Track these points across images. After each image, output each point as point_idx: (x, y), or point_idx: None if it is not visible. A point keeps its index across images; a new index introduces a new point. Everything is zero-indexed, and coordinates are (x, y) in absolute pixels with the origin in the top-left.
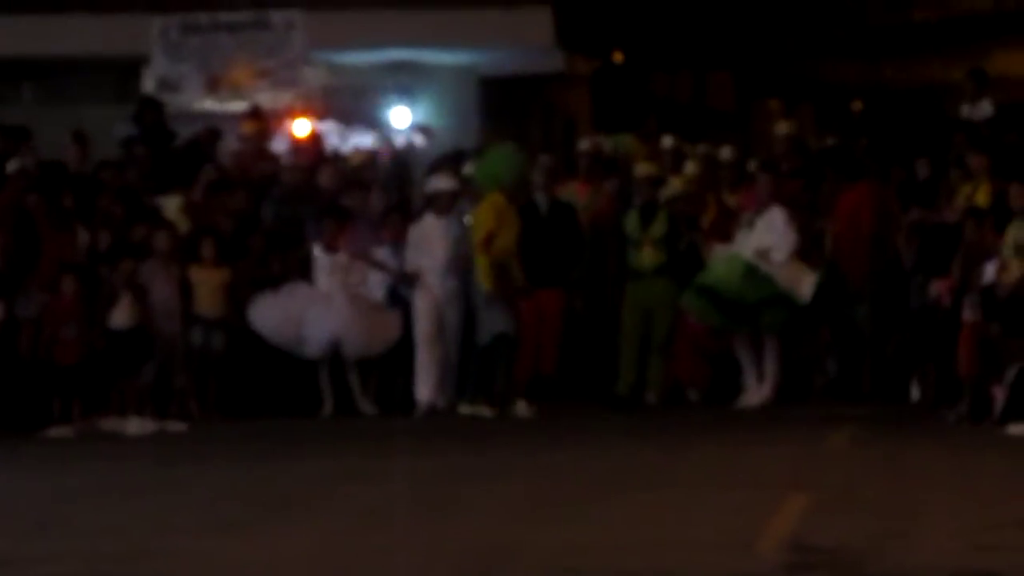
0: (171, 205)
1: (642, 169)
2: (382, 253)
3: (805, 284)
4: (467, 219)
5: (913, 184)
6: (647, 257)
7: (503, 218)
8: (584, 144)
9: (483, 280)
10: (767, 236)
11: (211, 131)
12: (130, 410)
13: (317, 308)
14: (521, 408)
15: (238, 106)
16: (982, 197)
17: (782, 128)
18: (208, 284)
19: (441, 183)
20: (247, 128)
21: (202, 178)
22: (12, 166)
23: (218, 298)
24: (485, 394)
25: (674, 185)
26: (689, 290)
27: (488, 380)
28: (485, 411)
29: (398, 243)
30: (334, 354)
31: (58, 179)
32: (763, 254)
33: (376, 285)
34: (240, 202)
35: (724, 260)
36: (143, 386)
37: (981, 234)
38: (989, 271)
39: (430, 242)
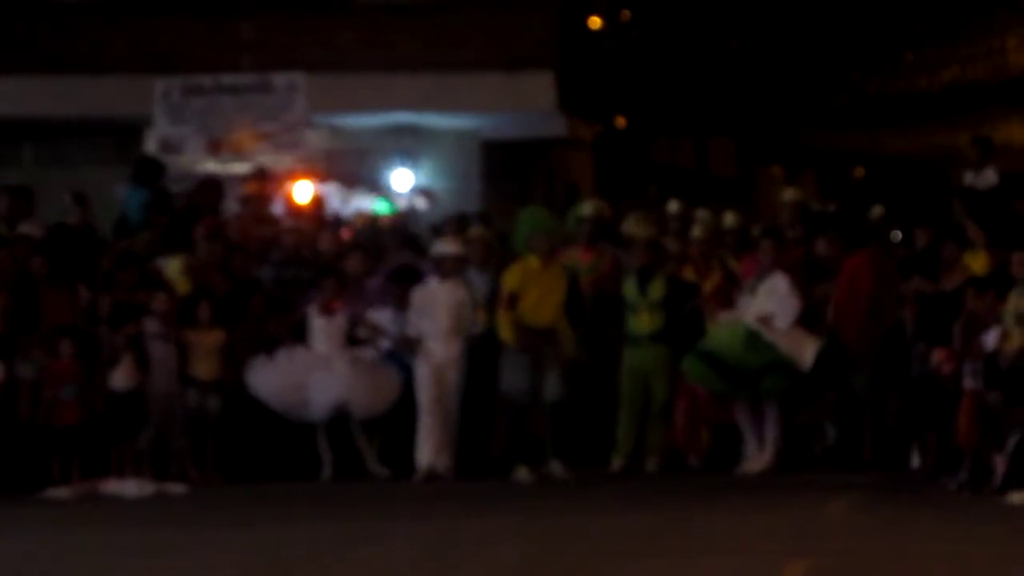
0: (171, 267)
1: (639, 232)
2: (384, 317)
3: (807, 351)
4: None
5: (914, 252)
6: (644, 322)
7: (531, 280)
8: (587, 209)
9: (503, 334)
10: (769, 302)
11: (207, 186)
12: (129, 472)
13: (319, 372)
14: (522, 474)
15: (240, 168)
16: (979, 266)
17: (788, 195)
18: (204, 346)
19: (446, 248)
20: (249, 189)
21: (198, 233)
22: (24, 229)
23: (214, 360)
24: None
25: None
26: (690, 355)
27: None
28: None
29: (399, 307)
30: (332, 417)
31: (60, 241)
32: (765, 320)
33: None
34: (239, 264)
35: (726, 326)
36: (142, 448)
37: (981, 303)
38: (990, 340)
39: (433, 306)
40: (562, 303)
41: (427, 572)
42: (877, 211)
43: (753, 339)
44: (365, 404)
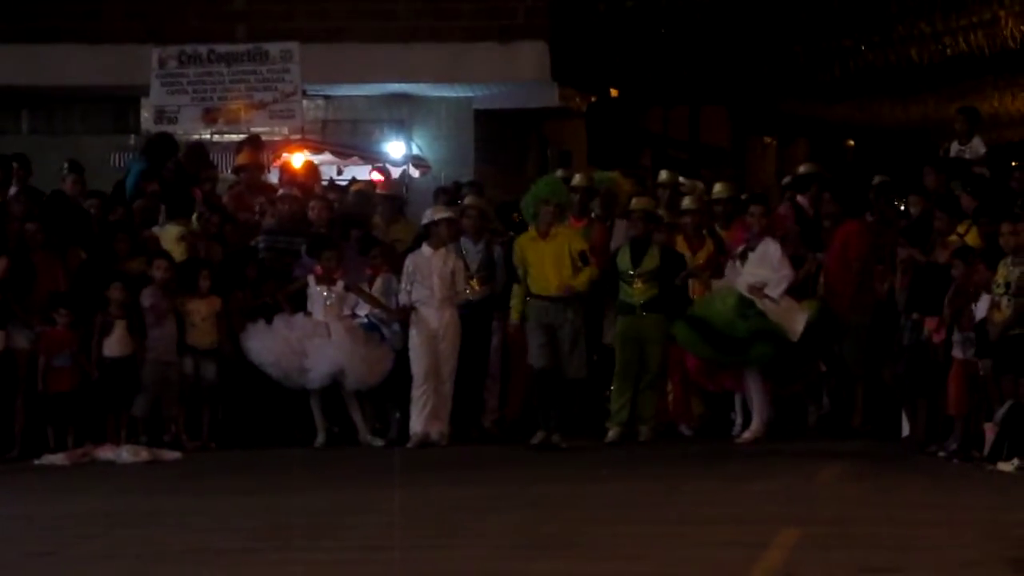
0: (168, 235)
1: (635, 204)
2: (377, 283)
3: (797, 321)
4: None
5: (909, 221)
6: (638, 292)
7: (533, 252)
8: (576, 179)
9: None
10: (761, 270)
11: (192, 151)
12: (124, 439)
13: (318, 339)
14: (539, 438)
15: (236, 138)
16: (972, 237)
17: (804, 168)
18: (200, 314)
19: (437, 214)
20: (243, 159)
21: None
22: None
23: (210, 328)
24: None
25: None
26: (680, 320)
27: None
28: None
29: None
30: (328, 384)
31: (55, 208)
32: (757, 289)
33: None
34: (232, 233)
35: (718, 293)
36: (137, 415)
37: (969, 273)
38: (980, 309)
39: (426, 273)
40: (569, 271)
41: (421, 539)
42: (875, 180)
43: (744, 306)
44: (360, 373)
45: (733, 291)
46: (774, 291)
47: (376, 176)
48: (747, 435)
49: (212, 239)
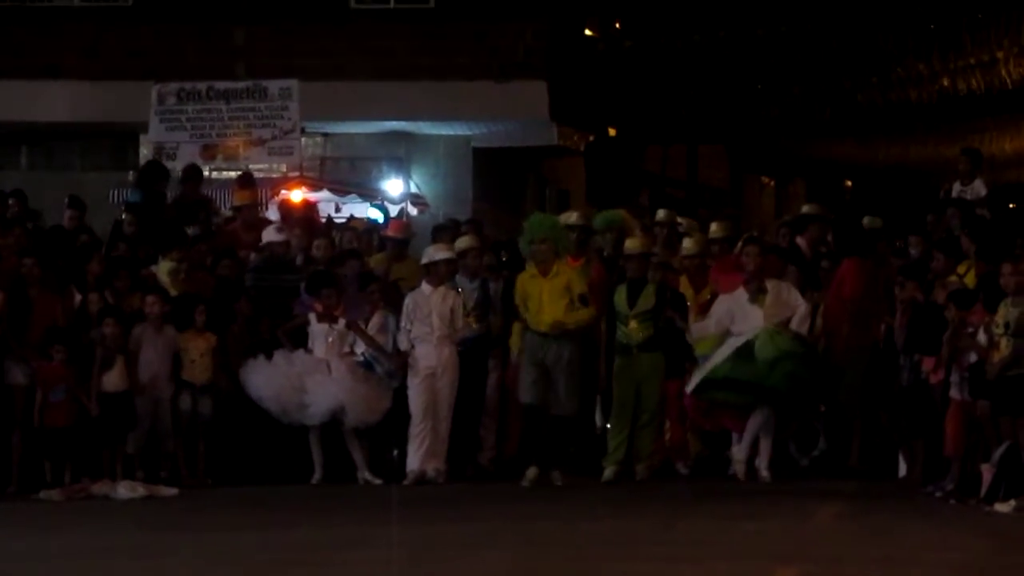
0: (163, 270)
1: (632, 244)
2: (374, 320)
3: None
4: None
5: (907, 261)
6: (635, 332)
7: (531, 289)
8: (573, 217)
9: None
10: (778, 310)
11: (188, 174)
12: (120, 475)
13: (319, 376)
14: (531, 475)
15: (234, 174)
16: (971, 278)
17: (807, 209)
18: (197, 350)
19: (437, 253)
20: (240, 199)
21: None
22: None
23: (206, 364)
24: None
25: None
26: (709, 390)
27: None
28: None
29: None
30: (327, 421)
31: (53, 243)
32: (784, 326)
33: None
34: (225, 269)
35: (731, 350)
36: (133, 451)
37: (964, 315)
38: (975, 350)
39: (425, 311)
40: (568, 309)
41: (416, 575)
42: (872, 221)
43: (775, 358)
44: (360, 411)
45: (760, 346)
46: (800, 327)
47: (375, 213)
48: (765, 473)
49: (203, 271)
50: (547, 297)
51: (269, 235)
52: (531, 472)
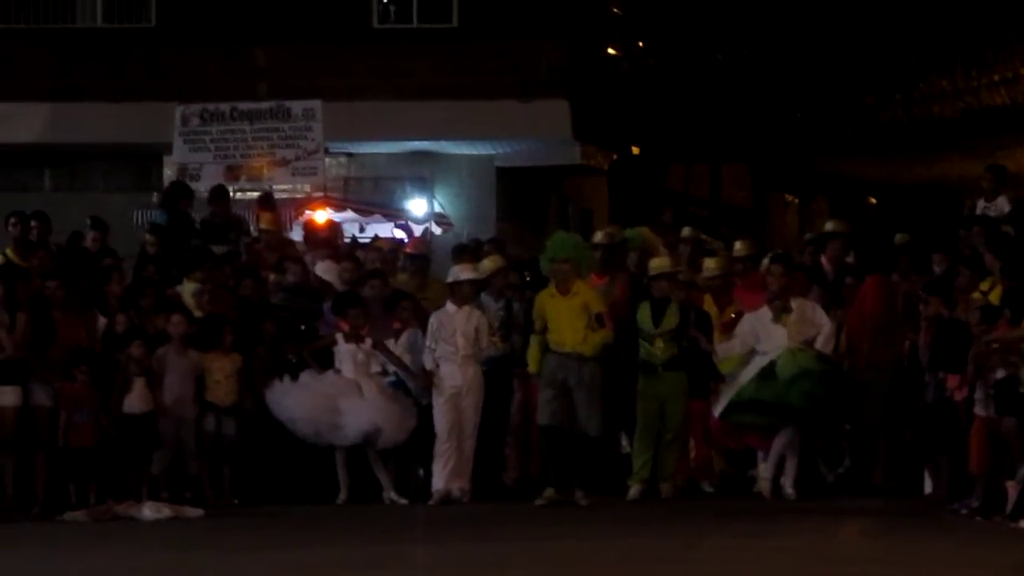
0: (187, 291)
1: (657, 264)
2: (403, 338)
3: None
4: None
5: (932, 278)
6: (659, 351)
7: (551, 309)
8: (598, 236)
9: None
10: (803, 327)
11: (216, 195)
12: (145, 495)
13: (353, 397)
14: (548, 495)
15: (258, 195)
16: (995, 294)
17: (831, 226)
18: (222, 371)
19: (462, 273)
20: (265, 222)
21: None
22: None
23: (231, 385)
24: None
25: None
26: (733, 413)
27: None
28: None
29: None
30: (360, 442)
31: (76, 264)
32: (809, 344)
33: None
34: (250, 290)
35: (755, 371)
36: (157, 472)
37: (990, 332)
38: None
39: (449, 331)
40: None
41: None
42: (903, 238)
43: (795, 376)
44: (391, 432)
45: (782, 365)
46: (826, 347)
47: (399, 233)
48: (790, 491)
49: (227, 291)
50: (566, 317)
51: (328, 274)
52: (548, 493)
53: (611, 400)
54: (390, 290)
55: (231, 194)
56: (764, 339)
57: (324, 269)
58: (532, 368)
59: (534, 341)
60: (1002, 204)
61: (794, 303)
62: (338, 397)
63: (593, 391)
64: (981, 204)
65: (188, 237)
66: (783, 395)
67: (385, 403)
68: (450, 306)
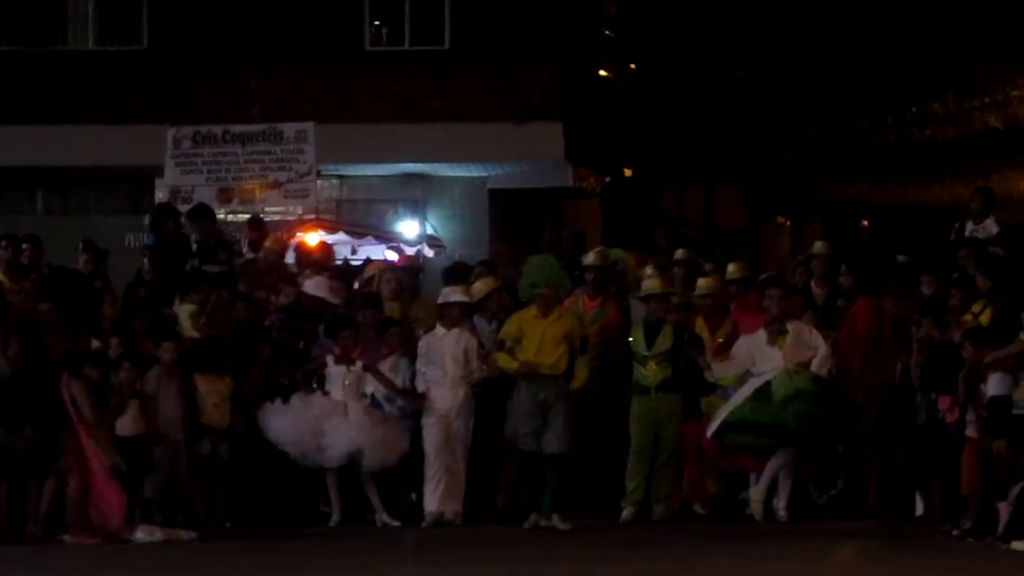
0: (184, 312)
1: (650, 285)
2: (387, 362)
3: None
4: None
5: (923, 300)
6: (652, 373)
7: (529, 329)
8: (590, 258)
9: (503, 366)
10: (799, 350)
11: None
12: (137, 518)
13: (336, 419)
14: (531, 521)
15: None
16: (987, 317)
17: (819, 247)
18: (218, 394)
19: (452, 296)
20: (269, 241)
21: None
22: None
23: (226, 408)
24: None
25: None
26: (728, 433)
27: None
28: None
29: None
30: (345, 463)
31: (67, 287)
32: (804, 366)
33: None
34: (244, 312)
35: (752, 392)
36: (150, 495)
37: (979, 353)
38: (990, 387)
39: (439, 354)
40: (565, 354)
41: None
42: (901, 259)
43: (787, 399)
44: (377, 454)
45: (777, 385)
46: (821, 369)
47: (391, 255)
48: (783, 513)
49: (224, 313)
50: (547, 340)
51: (318, 289)
52: (532, 518)
53: (603, 421)
54: (381, 316)
55: (222, 216)
56: (760, 361)
57: (314, 285)
58: (513, 366)
59: (503, 355)
60: (990, 226)
61: (790, 326)
62: (322, 419)
63: (567, 407)
64: (970, 226)
65: (181, 258)
66: (778, 416)
67: (371, 425)
68: (440, 329)
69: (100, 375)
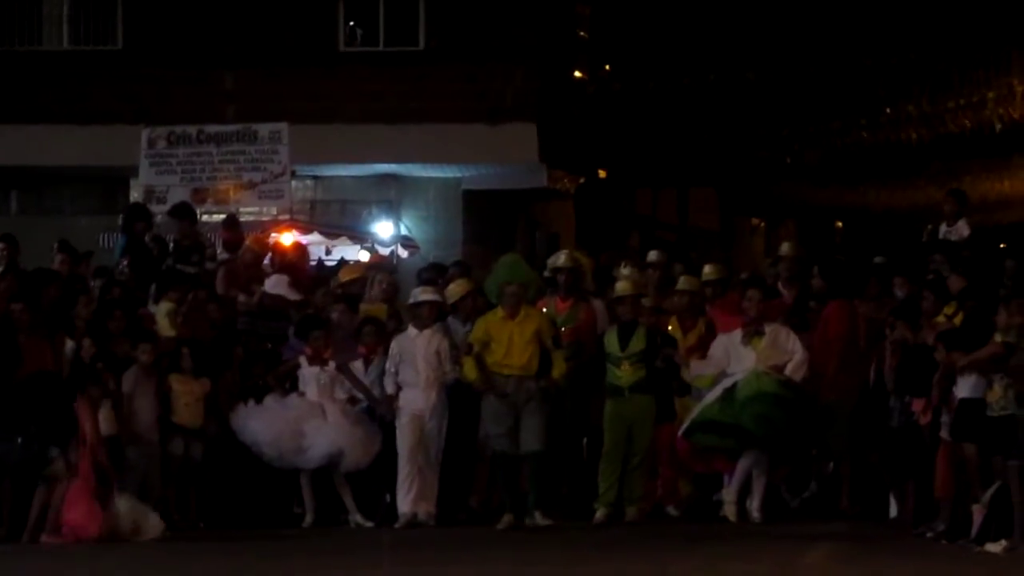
0: (161, 311)
1: (623, 287)
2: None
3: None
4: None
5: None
6: (626, 374)
7: (497, 332)
8: (561, 259)
9: (468, 376)
10: (774, 353)
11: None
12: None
13: (315, 420)
14: (505, 521)
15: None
16: (960, 319)
17: (786, 249)
18: (191, 394)
19: (422, 295)
20: (250, 245)
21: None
22: None
23: (199, 408)
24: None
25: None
26: (696, 433)
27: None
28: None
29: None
30: (323, 465)
31: (40, 288)
32: (778, 369)
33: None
34: (216, 313)
35: (717, 392)
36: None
37: (953, 356)
38: (960, 390)
39: (411, 355)
40: (536, 353)
41: None
42: (878, 260)
43: (749, 399)
44: (355, 455)
45: (742, 386)
46: (795, 374)
47: (364, 256)
48: (757, 515)
49: (201, 313)
50: (517, 341)
51: (277, 287)
52: (506, 518)
53: (576, 422)
54: (356, 316)
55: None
56: (735, 361)
57: (272, 284)
58: (472, 376)
59: (469, 360)
60: (962, 228)
61: (768, 328)
62: (302, 420)
63: (538, 409)
64: (943, 228)
65: (155, 259)
66: (738, 416)
67: (349, 426)
68: (411, 330)
69: (101, 393)
